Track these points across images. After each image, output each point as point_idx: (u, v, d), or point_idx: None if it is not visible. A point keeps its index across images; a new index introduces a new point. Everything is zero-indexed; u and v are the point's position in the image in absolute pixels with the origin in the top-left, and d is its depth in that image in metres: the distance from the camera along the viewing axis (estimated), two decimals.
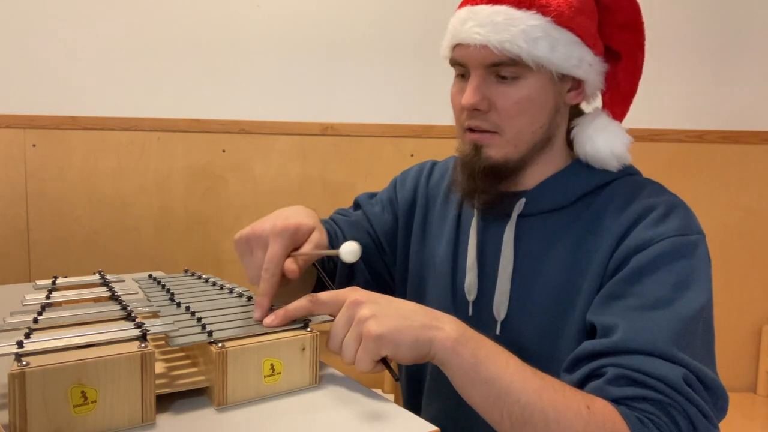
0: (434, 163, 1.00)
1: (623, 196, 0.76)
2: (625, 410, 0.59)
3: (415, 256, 0.94)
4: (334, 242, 0.90)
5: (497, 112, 0.76)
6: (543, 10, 0.73)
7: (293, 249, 0.70)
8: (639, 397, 0.60)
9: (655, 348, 0.61)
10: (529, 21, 0.72)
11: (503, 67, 0.74)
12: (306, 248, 0.70)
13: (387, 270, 0.97)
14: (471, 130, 0.78)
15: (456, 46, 0.78)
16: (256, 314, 0.66)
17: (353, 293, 0.63)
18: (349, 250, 0.69)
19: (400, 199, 0.97)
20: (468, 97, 0.75)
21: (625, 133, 0.81)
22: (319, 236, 0.72)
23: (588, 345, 0.66)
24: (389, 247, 0.97)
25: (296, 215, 0.71)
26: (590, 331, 0.71)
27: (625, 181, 0.79)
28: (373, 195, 1.02)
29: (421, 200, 0.96)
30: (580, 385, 0.64)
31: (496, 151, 0.77)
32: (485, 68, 0.75)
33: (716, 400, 0.62)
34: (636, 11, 0.79)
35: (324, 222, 0.93)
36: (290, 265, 0.68)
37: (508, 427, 0.59)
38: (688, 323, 0.64)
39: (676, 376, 0.59)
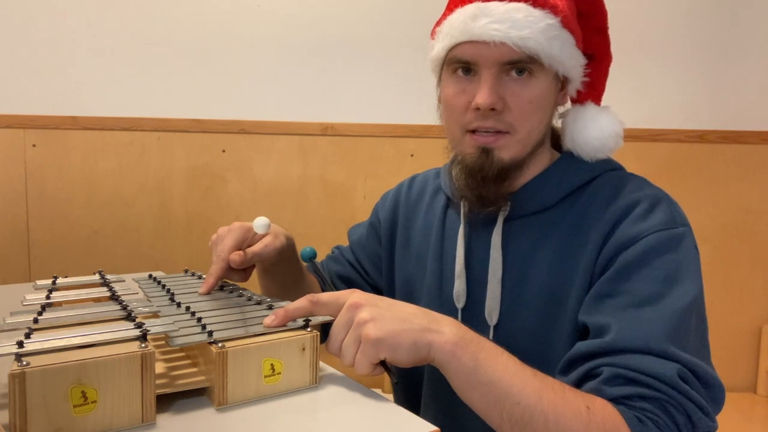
0: (414, 177, 1.01)
1: (607, 193, 0.76)
2: (624, 409, 0.59)
3: (400, 270, 0.95)
4: (323, 275, 1.00)
5: (510, 112, 0.74)
6: (554, 11, 0.74)
7: (247, 246, 0.82)
8: (636, 396, 0.60)
9: (649, 346, 0.61)
10: (546, 20, 0.73)
11: (520, 65, 0.73)
12: (256, 247, 0.82)
13: (374, 290, 1.01)
14: (475, 131, 0.76)
15: (462, 44, 0.75)
16: (201, 289, 0.77)
17: (353, 295, 0.63)
18: (260, 225, 0.79)
19: (382, 219, 1.00)
20: (485, 96, 0.73)
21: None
22: (270, 239, 0.83)
23: (581, 346, 0.66)
24: (374, 269, 1.01)
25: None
26: (582, 332, 0.71)
27: (608, 176, 0.79)
28: (361, 225, 1.07)
29: (402, 215, 0.97)
30: (577, 386, 0.64)
31: (506, 152, 0.76)
32: (499, 66, 0.74)
33: (712, 393, 0.62)
34: (605, 17, 0.82)
35: (320, 262, 1.04)
36: (234, 256, 0.78)
37: (508, 429, 0.58)
38: (681, 317, 0.64)
39: (671, 373, 0.60)
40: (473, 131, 0.77)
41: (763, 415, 1.84)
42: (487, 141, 0.76)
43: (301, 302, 0.64)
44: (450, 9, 0.79)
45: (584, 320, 0.69)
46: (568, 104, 0.85)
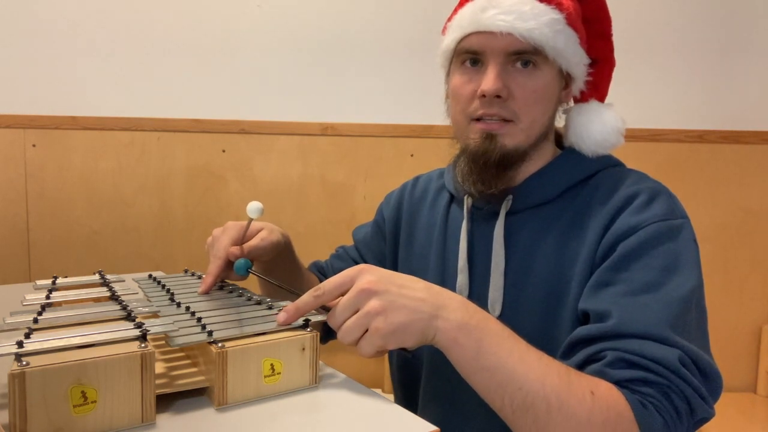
0: (417, 177, 1.03)
1: (607, 186, 0.77)
2: (628, 393, 0.59)
3: (404, 267, 0.96)
4: (327, 273, 1.02)
5: (515, 100, 0.77)
6: (560, 7, 0.77)
7: (242, 242, 0.82)
8: (639, 380, 0.60)
9: (650, 331, 0.62)
10: (551, 14, 0.76)
11: (525, 56, 0.76)
12: (253, 241, 0.82)
13: None
14: (480, 119, 0.78)
15: (470, 35, 0.78)
16: (200, 289, 0.78)
17: (363, 276, 0.61)
18: (253, 209, 0.77)
19: (387, 217, 1.01)
20: (491, 82, 0.75)
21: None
22: (266, 234, 0.84)
23: (582, 330, 0.67)
24: (379, 266, 1.00)
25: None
26: (583, 319, 0.71)
27: (609, 172, 0.81)
28: (365, 225, 1.08)
29: (406, 212, 0.98)
30: (579, 368, 0.64)
31: (510, 139, 0.78)
32: (506, 56, 0.76)
33: (710, 383, 0.62)
34: (609, 23, 0.85)
35: (324, 261, 1.06)
36: (232, 249, 0.80)
37: (509, 413, 0.59)
38: (680, 306, 0.64)
39: (673, 359, 0.60)
40: (478, 120, 0.79)
41: (763, 415, 1.84)
42: (491, 127, 0.78)
43: (308, 296, 0.63)
44: (461, 4, 0.82)
45: (584, 307, 0.70)
46: (572, 104, 0.87)
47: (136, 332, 0.55)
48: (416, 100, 1.93)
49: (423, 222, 0.95)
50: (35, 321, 0.61)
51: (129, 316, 0.63)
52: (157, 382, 0.56)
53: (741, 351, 1.97)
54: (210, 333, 0.59)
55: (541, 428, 0.58)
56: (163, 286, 0.81)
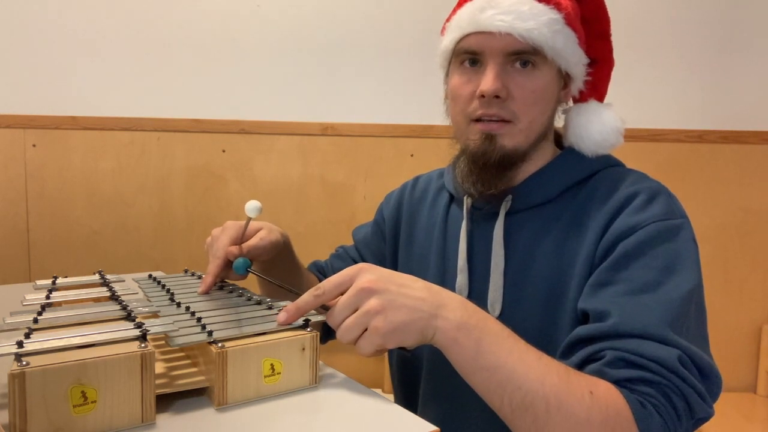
0: (417, 177, 1.03)
1: (607, 186, 0.77)
2: (627, 393, 0.59)
3: (404, 267, 0.96)
4: (327, 273, 1.02)
5: (514, 101, 0.77)
6: (558, 7, 0.77)
7: (242, 242, 0.82)
8: (638, 379, 0.60)
9: (649, 331, 0.62)
10: (550, 14, 0.76)
11: (524, 56, 0.76)
12: (252, 240, 0.83)
13: None
14: (479, 120, 0.78)
15: (469, 35, 0.78)
16: (200, 289, 0.78)
17: (362, 275, 0.61)
18: (251, 208, 0.77)
19: (386, 217, 1.01)
20: (490, 83, 0.75)
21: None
22: (265, 233, 0.84)
23: (582, 330, 0.67)
24: (379, 265, 1.01)
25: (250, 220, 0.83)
26: (582, 319, 0.71)
27: (609, 172, 0.81)
28: (365, 225, 1.08)
29: (406, 213, 0.99)
30: (578, 368, 0.64)
31: (509, 140, 0.78)
32: (505, 56, 0.76)
33: (710, 382, 0.63)
34: (608, 23, 0.85)
35: (324, 261, 1.07)
36: (231, 249, 0.80)
37: (508, 412, 0.59)
38: (679, 305, 0.64)
39: (672, 358, 0.60)
40: (478, 120, 0.79)
41: (763, 415, 1.84)
42: (491, 128, 0.78)
43: (308, 295, 0.63)
44: (460, 4, 0.82)
45: (584, 307, 0.70)
46: (571, 104, 0.87)
47: (136, 332, 0.55)
48: (416, 100, 1.93)
49: (423, 222, 0.95)
50: (35, 321, 0.61)
51: (129, 316, 0.63)
52: (157, 382, 0.56)
53: (741, 351, 1.97)
54: (210, 333, 0.59)
55: (540, 428, 0.58)
56: (163, 286, 0.81)
